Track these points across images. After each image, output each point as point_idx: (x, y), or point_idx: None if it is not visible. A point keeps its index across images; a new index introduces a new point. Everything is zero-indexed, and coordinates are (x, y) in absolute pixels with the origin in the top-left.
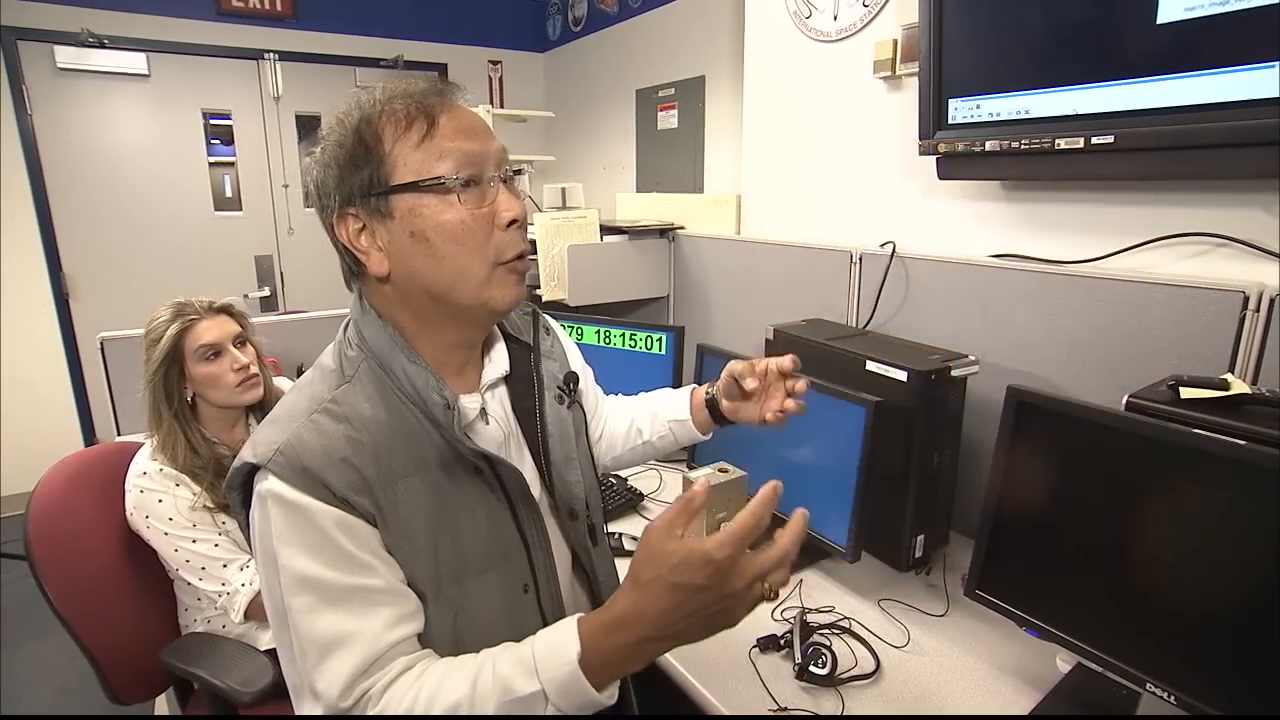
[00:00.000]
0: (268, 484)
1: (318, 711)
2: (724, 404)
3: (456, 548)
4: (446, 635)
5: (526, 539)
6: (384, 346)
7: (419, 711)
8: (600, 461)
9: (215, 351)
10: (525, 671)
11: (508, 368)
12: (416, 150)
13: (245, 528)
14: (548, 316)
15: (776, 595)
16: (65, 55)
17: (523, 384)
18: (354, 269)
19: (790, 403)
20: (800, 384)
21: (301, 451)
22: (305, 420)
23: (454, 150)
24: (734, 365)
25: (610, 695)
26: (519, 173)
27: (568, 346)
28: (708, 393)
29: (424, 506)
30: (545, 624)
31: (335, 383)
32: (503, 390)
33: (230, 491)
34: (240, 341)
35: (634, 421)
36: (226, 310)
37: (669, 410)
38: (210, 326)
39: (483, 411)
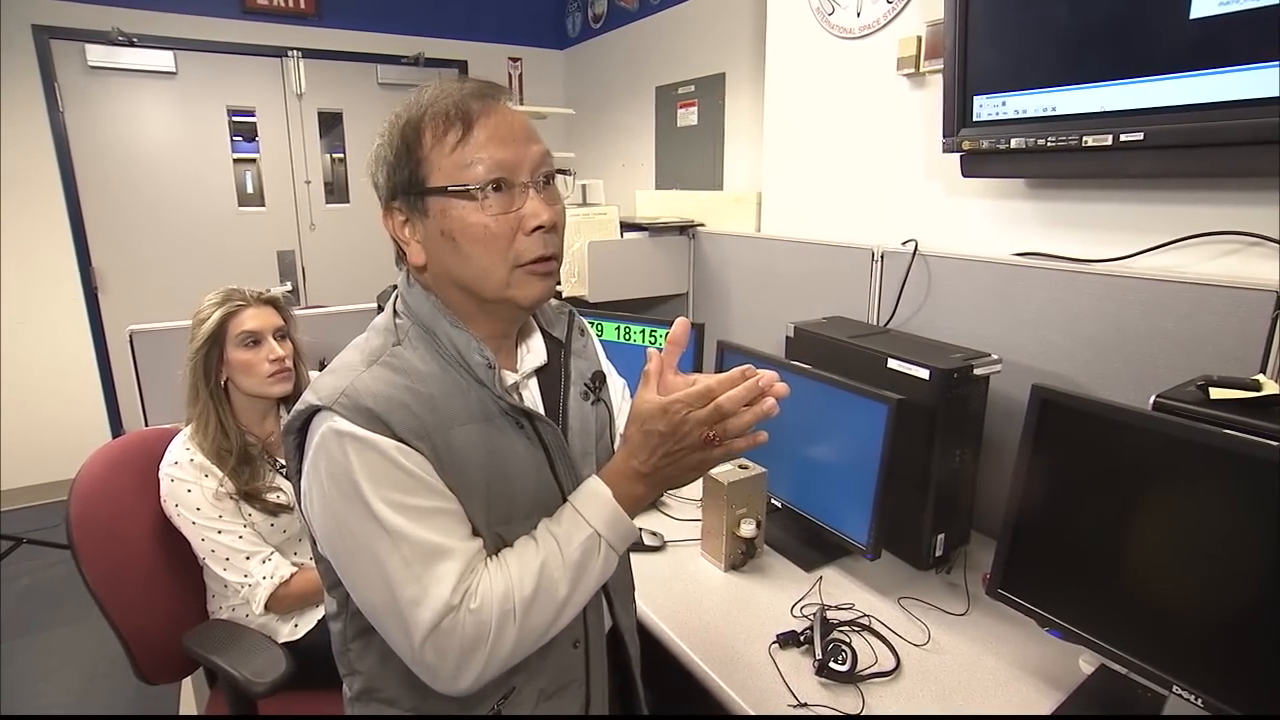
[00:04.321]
0: (335, 423)
1: (428, 614)
2: None
3: (507, 491)
4: None
5: (564, 491)
6: (427, 313)
7: (515, 580)
8: None
9: (255, 339)
10: (579, 524)
11: (545, 358)
12: (450, 155)
13: (295, 474)
14: (584, 320)
15: (722, 443)
16: (96, 54)
17: (551, 377)
18: (400, 255)
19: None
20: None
21: (364, 395)
22: (365, 370)
23: (484, 159)
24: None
25: (635, 527)
26: (563, 172)
27: (601, 355)
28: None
29: (477, 452)
30: None
31: (390, 341)
32: (534, 381)
33: (288, 435)
34: (281, 335)
35: None
36: (273, 303)
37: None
38: (255, 315)
39: (517, 388)
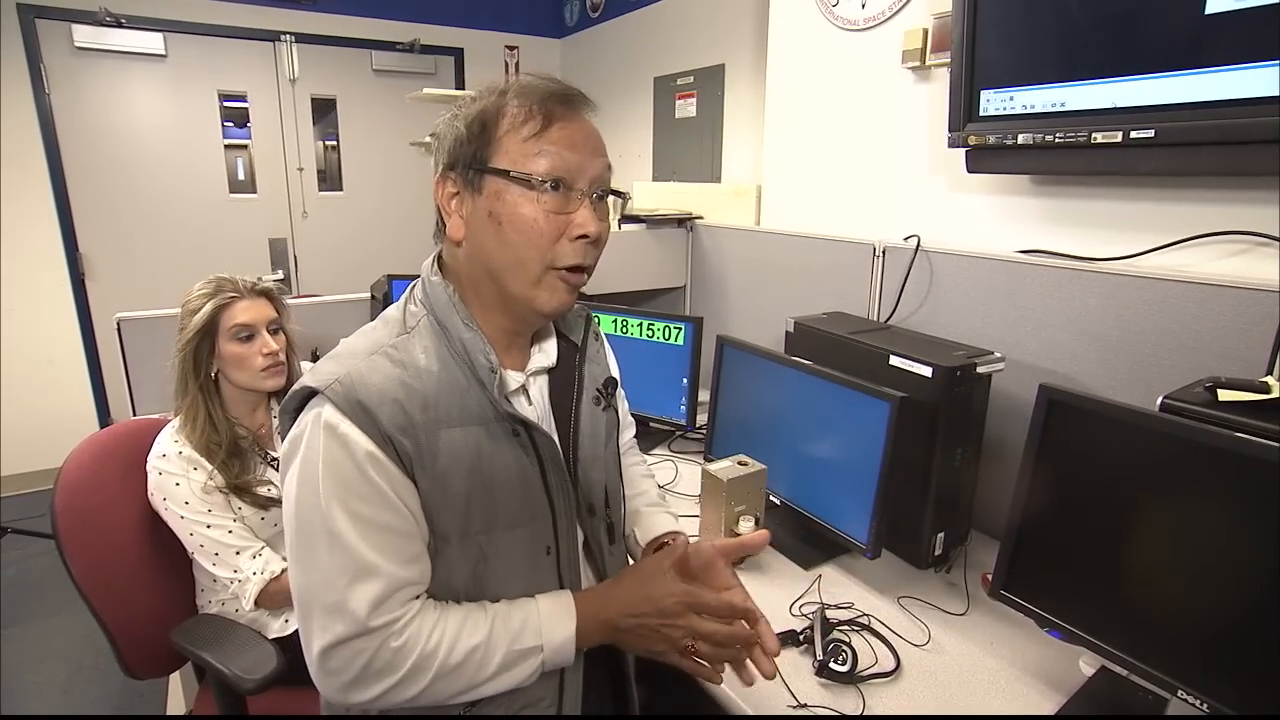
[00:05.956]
0: (323, 410)
1: (341, 626)
2: None
3: (488, 500)
4: (467, 577)
5: (554, 505)
6: (443, 306)
7: (446, 645)
8: None
9: (248, 333)
10: (532, 632)
11: (555, 360)
12: (522, 144)
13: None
14: (599, 325)
15: (693, 653)
16: (83, 34)
17: (564, 380)
18: (440, 226)
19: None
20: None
21: (358, 384)
22: (365, 358)
23: (553, 155)
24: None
25: (574, 655)
26: (616, 193)
27: (610, 359)
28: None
29: (462, 457)
30: (562, 588)
31: (397, 331)
32: (544, 381)
33: (284, 415)
34: (274, 328)
35: (635, 497)
36: (266, 294)
37: (649, 525)
38: (248, 307)
39: (524, 389)
